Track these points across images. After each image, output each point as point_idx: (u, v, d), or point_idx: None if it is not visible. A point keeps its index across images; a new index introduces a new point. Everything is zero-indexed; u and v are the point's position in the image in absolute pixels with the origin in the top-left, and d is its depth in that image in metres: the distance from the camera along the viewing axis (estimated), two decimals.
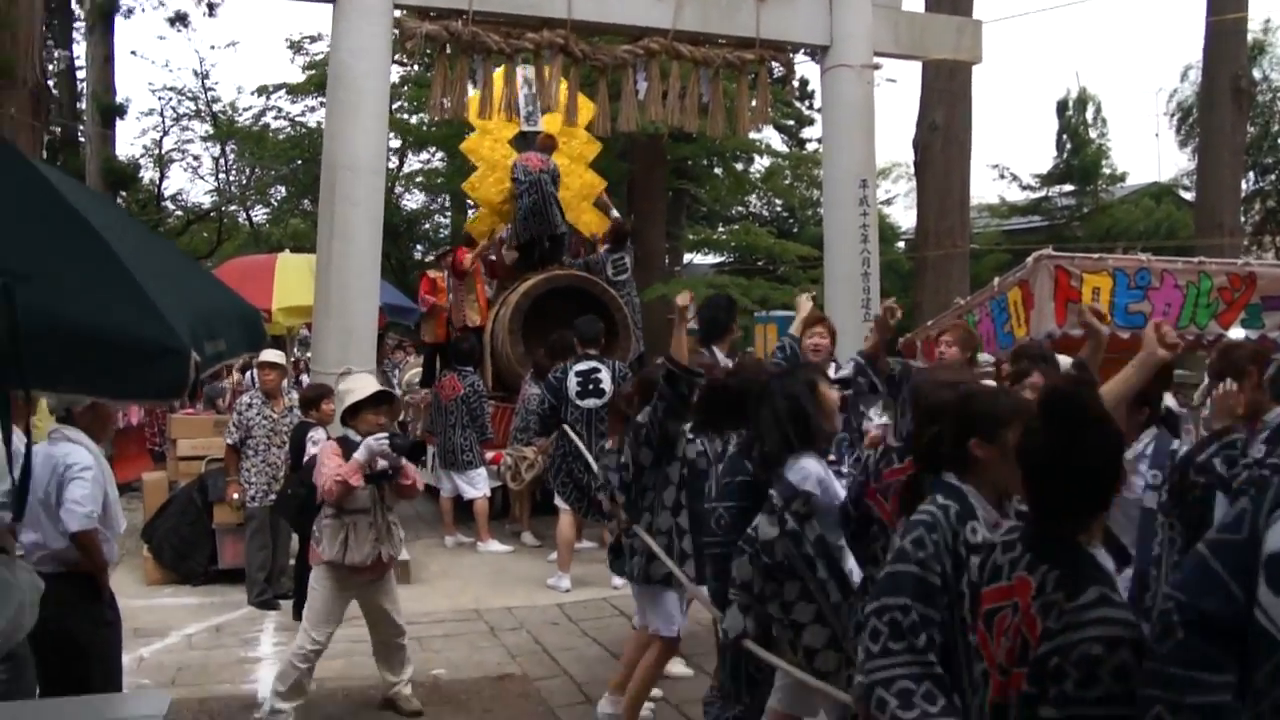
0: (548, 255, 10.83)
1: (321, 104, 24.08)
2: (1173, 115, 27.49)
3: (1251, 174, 23.83)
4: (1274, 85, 25.23)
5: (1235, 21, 16.66)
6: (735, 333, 6.62)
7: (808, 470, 3.46)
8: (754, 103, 9.47)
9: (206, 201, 26.50)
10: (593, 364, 7.61)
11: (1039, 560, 2.14)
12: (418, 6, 8.34)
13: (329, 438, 5.67)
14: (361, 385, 5.34)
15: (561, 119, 9.91)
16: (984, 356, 5.90)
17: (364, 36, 8.01)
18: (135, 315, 2.37)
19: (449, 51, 8.52)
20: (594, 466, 6.54)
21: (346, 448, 5.02)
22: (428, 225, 25.91)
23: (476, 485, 9.21)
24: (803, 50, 9.76)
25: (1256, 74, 22.35)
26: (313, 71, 21.58)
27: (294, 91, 22.90)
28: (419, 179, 24.97)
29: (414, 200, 26.08)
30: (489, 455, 9.31)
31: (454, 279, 10.18)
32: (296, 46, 23.10)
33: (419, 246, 25.43)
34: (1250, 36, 19.86)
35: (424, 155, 24.27)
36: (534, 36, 8.59)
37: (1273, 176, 25.12)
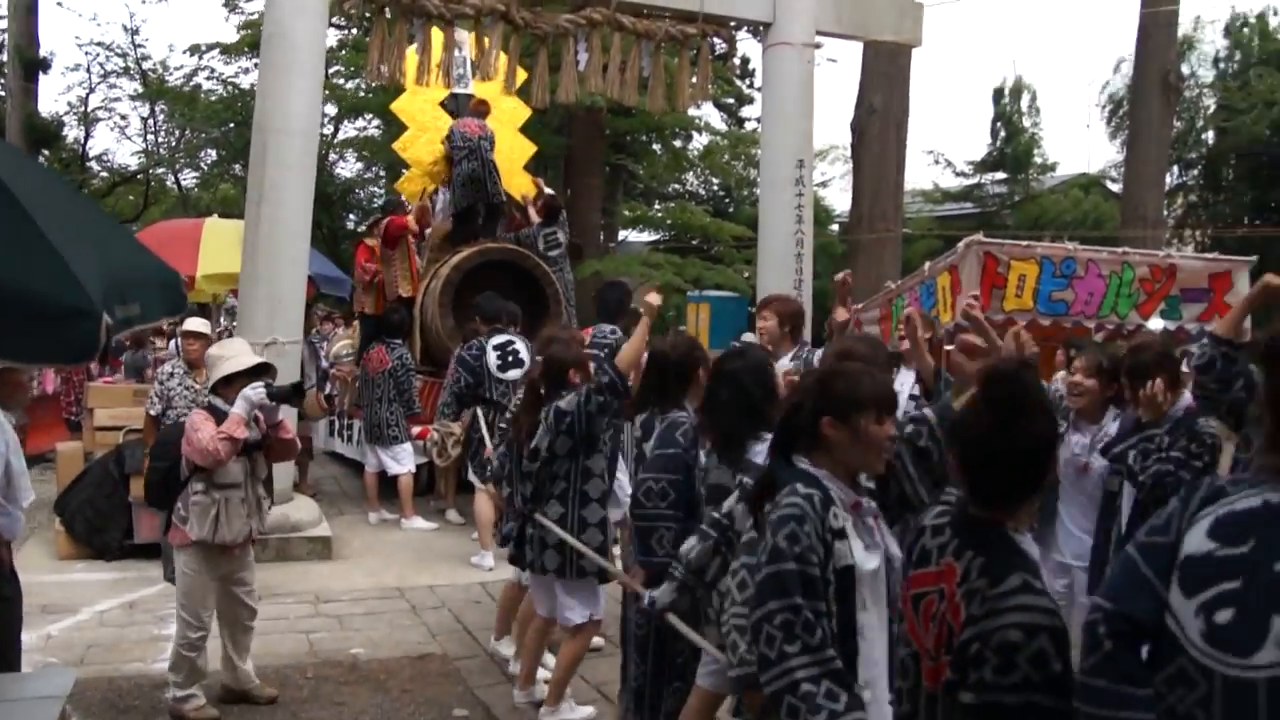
0: (483, 226, 10.67)
1: (256, 66, 23.52)
2: (1104, 107, 27.99)
3: (1176, 168, 24.36)
4: (1201, 81, 25.77)
5: (1167, 16, 16.95)
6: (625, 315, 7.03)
7: None
8: (694, 78, 9.39)
9: (133, 163, 25.81)
10: (506, 336, 7.83)
11: (965, 546, 2.13)
12: None
13: None
14: (237, 353, 4.94)
15: (500, 86, 9.72)
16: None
17: None
18: (45, 276, 2.33)
19: (388, 15, 8.29)
20: (490, 449, 6.50)
21: (217, 416, 4.66)
22: (361, 194, 25.44)
23: (401, 461, 9.04)
24: (745, 27, 9.68)
25: (1185, 69, 22.81)
26: (248, 31, 20.98)
27: (228, 52, 22.25)
28: (353, 147, 24.48)
29: (348, 169, 25.61)
30: (415, 430, 9.17)
31: (385, 248, 9.97)
32: (231, 4, 22.42)
33: (352, 216, 24.96)
34: (1180, 32, 20.23)
35: (359, 122, 23.78)
36: (475, 2, 8.41)
37: (1196, 171, 25.69)
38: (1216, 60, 26.92)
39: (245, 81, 21.93)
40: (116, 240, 3.13)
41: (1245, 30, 26.47)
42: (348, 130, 24.53)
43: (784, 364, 4.76)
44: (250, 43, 21.92)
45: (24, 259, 2.34)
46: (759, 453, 3.43)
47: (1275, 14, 26.41)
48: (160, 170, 26.01)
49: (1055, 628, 1.95)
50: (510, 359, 7.83)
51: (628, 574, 4.15)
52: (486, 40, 8.62)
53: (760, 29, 9.46)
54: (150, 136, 25.34)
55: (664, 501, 3.82)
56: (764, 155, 9.95)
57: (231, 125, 22.40)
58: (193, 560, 4.76)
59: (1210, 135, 24.68)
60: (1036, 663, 1.91)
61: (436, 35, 8.66)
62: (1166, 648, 1.77)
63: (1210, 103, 25.19)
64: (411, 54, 8.68)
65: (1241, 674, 1.65)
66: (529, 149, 11.90)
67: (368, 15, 8.49)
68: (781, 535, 2.38)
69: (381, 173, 24.30)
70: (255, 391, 4.62)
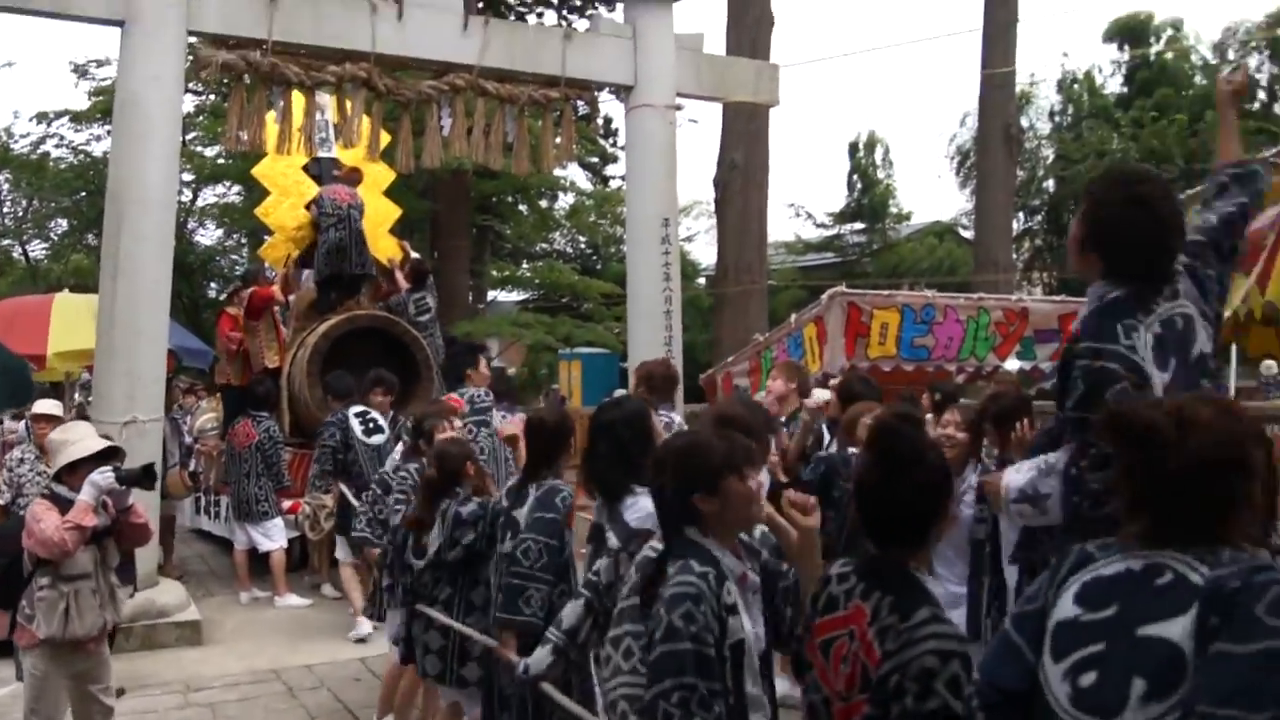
0: (348, 294, 10.50)
1: (108, 133, 22.77)
2: (953, 159, 29.29)
3: (1021, 215, 25.57)
4: (1040, 133, 27.21)
5: (1004, 75, 17.90)
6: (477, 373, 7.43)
7: (645, 508, 3.31)
8: (559, 140, 9.48)
9: None
10: (362, 406, 8.15)
11: (873, 588, 2.21)
12: (214, 34, 7.96)
13: None
14: (81, 437, 4.65)
15: (364, 152, 9.65)
16: (821, 394, 6.06)
17: (156, 63, 7.56)
18: None
19: (247, 81, 8.17)
20: (360, 522, 6.42)
21: (61, 504, 4.35)
22: (223, 262, 24.78)
23: (273, 537, 8.75)
24: (607, 89, 9.86)
25: (1025, 122, 24.06)
26: (100, 98, 20.37)
27: (78, 119, 21.54)
28: (214, 214, 23.88)
29: (208, 236, 24.94)
30: (286, 504, 8.91)
31: (249, 319, 9.72)
32: (81, 70, 21.77)
33: (213, 284, 24.30)
34: (1019, 88, 21.36)
35: (219, 189, 23.21)
36: (336, 69, 8.35)
37: (1040, 217, 27.01)
38: (1052, 114, 28.52)
39: (97, 149, 21.22)
40: None
41: (1075, 86, 28.13)
42: (207, 196, 23.97)
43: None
44: (102, 109, 21.24)
45: None
46: (630, 505, 3.47)
47: (1100, 71, 28.20)
48: (6, 241, 24.91)
49: (966, 655, 2.05)
50: (372, 425, 8.08)
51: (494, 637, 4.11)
52: (349, 105, 8.56)
53: (622, 91, 9.64)
54: None
55: (538, 564, 3.82)
56: (630, 214, 10.09)
57: (83, 194, 21.64)
58: (41, 661, 4.41)
59: (1051, 184, 26.02)
60: (952, 688, 2.00)
61: (298, 100, 8.57)
62: (1040, 713, 1.82)
63: (1049, 153, 26.60)
64: (271, 119, 8.56)
65: None
66: (394, 212, 11.80)
67: (225, 81, 8.32)
68: (678, 615, 2.39)
69: (243, 240, 23.76)
70: (103, 477, 4.32)
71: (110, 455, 4.55)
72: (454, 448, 4.80)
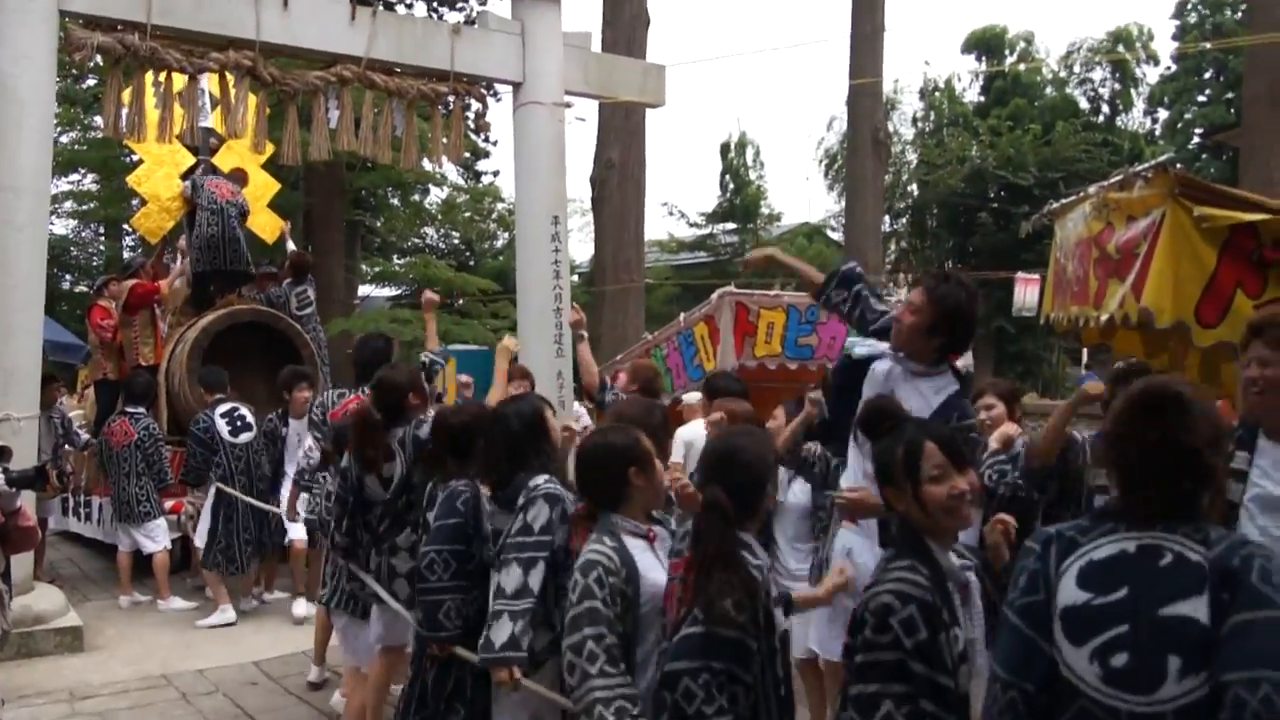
0: (221, 290, 10.23)
1: None
2: (821, 161, 30.03)
3: (888, 217, 26.40)
4: (904, 138, 28.12)
5: (872, 83, 18.45)
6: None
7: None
8: (450, 136, 9.42)
9: None
10: (231, 404, 8.25)
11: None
12: (89, 15, 7.63)
13: None
14: None
15: (249, 144, 9.39)
16: (689, 397, 6.16)
17: (26, 44, 7.21)
18: None
19: (124, 66, 7.86)
20: (261, 510, 6.37)
21: None
22: (78, 254, 23.69)
23: (156, 538, 8.45)
24: (495, 85, 9.81)
25: (890, 127, 24.84)
26: None
27: None
28: (72, 201, 22.79)
29: (63, 225, 23.80)
30: (169, 504, 8.64)
31: (126, 314, 9.37)
32: None
33: (68, 276, 23.20)
34: (885, 95, 22.04)
35: (73, 176, 22.16)
36: (219, 56, 8.09)
37: (904, 220, 27.93)
38: (915, 119, 29.52)
39: None
40: None
41: (936, 94, 29.18)
42: (61, 185, 22.86)
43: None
44: None
45: None
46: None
47: (959, 80, 29.33)
48: None
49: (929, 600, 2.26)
50: (240, 423, 8.17)
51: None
52: (233, 94, 8.32)
53: (511, 88, 9.62)
54: None
55: (447, 573, 3.77)
56: (519, 212, 10.07)
57: None
58: None
59: (915, 187, 26.93)
60: (908, 627, 2.20)
61: (179, 82, 8.29)
62: (1063, 692, 1.94)
63: (912, 158, 27.53)
64: (150, 104, 8.24)
65: (1149, 709, 1.84)
66: (274, 186, 11.60)
67: (99, 65, 7.99)
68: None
69: (101, 230, 22.76)
70: None
71: None
72: (392, 374, 4.78)
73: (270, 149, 10.11)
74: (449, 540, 3.82)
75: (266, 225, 11.34)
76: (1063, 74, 29.35)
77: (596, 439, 3.30)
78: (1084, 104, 28.79)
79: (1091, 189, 6.01)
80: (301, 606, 7.87)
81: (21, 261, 7.20)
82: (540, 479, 3.55)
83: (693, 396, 6.08)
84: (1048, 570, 2.02)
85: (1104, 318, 5.75)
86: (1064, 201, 6.84)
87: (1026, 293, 14.27)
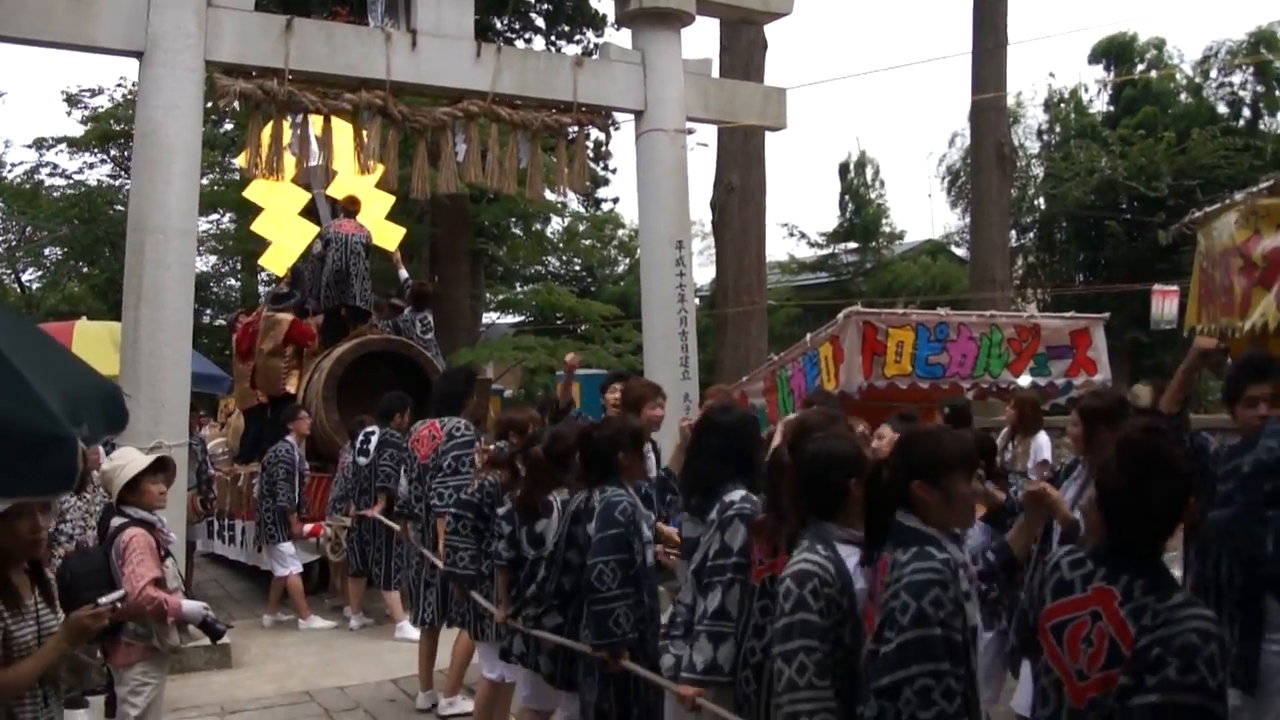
0: (346, 326, 10.51)
1: (103, 160, 22.82)
2: (943, 178, 29.50)
3: (1014, 232, 25.78)
4: (1029, 151, 27.46)
5: (996, 97, 18.08)
6: (472, 402, 7.14)
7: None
8: (573, 165, 9.59)
9: None
10: (370, 427, 8.49)
11: (1119, 572, 2.45)
12: (231, 64, 8.05)
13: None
14: (130, 459, 4.67)
15: (379, 179, 9.74)
16: None
17: (174, 94, 7.65)
18: (18, 404, 2.17)
19: (263, 110, 8.25)
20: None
21: (154, 533, 4.50)
22: (217, 289, 24.79)
23: (285, 562, 8.75)
24: (617, 114, 9.95)
25: (1014, 140, 24.29)
26: (94, 124, 20.39)
27: (75, 145, 21.58)
28: (212, 240, 23.94)
29: (203, 262, 24.97)
30: (307, 528, 8.93)
31: (281, 343, 9.82)
32: (73, 100, 21.82)
33: (208, 310, 24.31)
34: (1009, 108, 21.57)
35: (213, 216, 23.27)
36: (352, 97, 8.45)
37: (1031, 234, 27.23)
38: (1040, 132, 28.80)
39: (91, 177, 21.25)
40: (56, 356, 2.99)
41: (1062, 105, 28.42)
42: (201, 224, 24.01)
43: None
44: (99, 136, 21.27)
45: None
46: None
47: (1086, 90, 28.52)
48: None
49: (1223, 638, 2.30)
50: (360, 446, 8.45)
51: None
52: (365, 133, 8.65)
53: (633, 116, 9.75)
54: None
55: (615, 581, 3.94)
56: (643, 239, 10.18)
57: (77, 222, 21.62)
58: (150, 668, 4.64)
59: (1041, 201, 26.24)
60: (1209, 665, 2.24)
61: (315, 123, 8.68)
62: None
63: (1038, 171, 26.84)
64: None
65: None
66: (388, 200, 12.13)
67: (240, 110, 8.40)
68: (927, 600, 2.51)
69: (238, 266, 23.78)
70: (209, 614, 4.64)
71: (160, 466, 4.65)
72: (567, 427, 4.84)
73: (380, 169, 10.49)
74: (613, 550, 3.98)
75: (388, 235, 11.76)
76: (1198, 79, 28.27)
77: (820, 446, 3.19)
78: (1222, 109, 27.66)
79: (1239, 195, 5.80)
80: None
81: (170, 298, 7.59)
82: (737, 495, 3.63)
83: None
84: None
85: (1246, 326, 5.55)
86: (1208, 209, 6.61)
87: (1165, 304, 13.73)
